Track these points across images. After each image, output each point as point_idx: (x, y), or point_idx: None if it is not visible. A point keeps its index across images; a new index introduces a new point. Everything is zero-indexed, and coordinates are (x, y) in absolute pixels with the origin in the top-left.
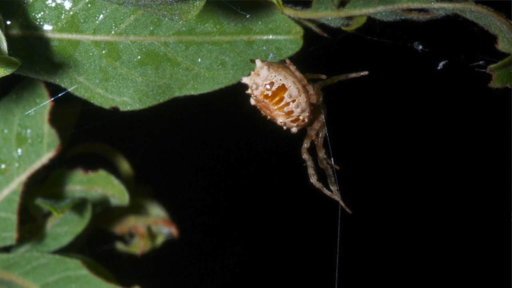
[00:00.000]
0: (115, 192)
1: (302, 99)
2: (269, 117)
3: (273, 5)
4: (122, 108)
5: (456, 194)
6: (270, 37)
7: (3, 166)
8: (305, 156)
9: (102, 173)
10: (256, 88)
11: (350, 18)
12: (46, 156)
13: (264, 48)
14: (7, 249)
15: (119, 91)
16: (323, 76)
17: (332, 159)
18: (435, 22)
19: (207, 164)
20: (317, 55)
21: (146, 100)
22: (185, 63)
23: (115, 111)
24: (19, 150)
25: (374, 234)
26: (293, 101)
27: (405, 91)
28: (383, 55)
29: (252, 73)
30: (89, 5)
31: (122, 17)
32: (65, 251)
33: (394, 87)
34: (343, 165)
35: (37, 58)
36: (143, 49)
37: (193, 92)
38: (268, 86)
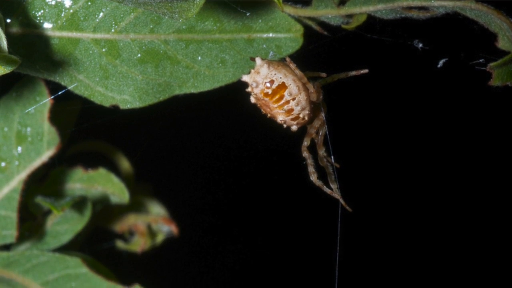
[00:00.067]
0: (115, 190)
1: (302, 97)
2: (269, 115)
3: (273, 3)
4: (122, 106)
5: (456, 192)
6: (270, 35)
7: (3, 164)
8: (305, 154)
9: (102, 171)
10: (256, 86)
11: (350, 16)
12: (46, 154)
13: (264, 46)
14: (7, 247)
15: (119, 89)
16: (323, 74)
17: (332, 157)
18: (435, 20)
19: (207, 162)
20: (317, 53)
21: (146, 98)
22: (185, 61)
23: (115, 109)
24: (19, 148)
25: (374, 232)
26: (293, 99)
27: (405, 89)
28: (383, 53)
29: (252, 71)
30: (89, 3)
31: (122, 15)
32: (65, 249)
33: (394, 85)
34: (343, 163)
35: (37, 56)
36: (143, 47)
37: (193, 90)
38: (268, 84)
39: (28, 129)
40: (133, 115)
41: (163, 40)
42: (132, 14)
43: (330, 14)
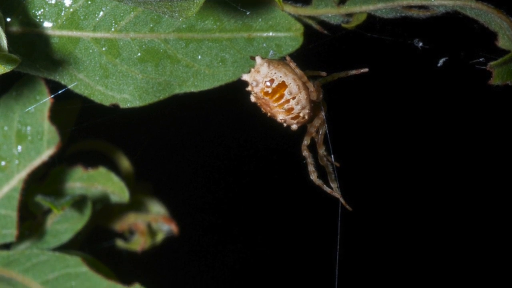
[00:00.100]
0: (115, 189)
1: (302, 96)
2: (269, 114)
3: (273, 2)
4: (122, 105)
5: (456, 191)
6: (270, 34)
7: (3, 163)
8: (305, 153)
9: (102, 170)
10: (256, 85)
11: (350, 15)
12: (46, 153)
13: (264, 45)
14: (7, 246)
15: (119, 88)
16: (323, 73)
17: (332, 156)
18: (435, 19)
19: (207, 161)
20: (317, 52)
21: (146, 97)
22: (185, 60)
23: (115, 108)
24: (19, 147)
25: (374, 231)
26: (293, 98)
27: (405, 88)
28: (383, 52)
29: (252, 70)
30: (89, 2)
31: (122, 14)
32: (65, 248)
33: (394, 84)
34: (343, 162)
35: (37, 55)
36: (143, 46)
37: (193, 89)
38: (268, 83)
39: (28, 128)
40: (133, 114)
41: (163, 39)
42: (132, 13)
43: (330, 13)
